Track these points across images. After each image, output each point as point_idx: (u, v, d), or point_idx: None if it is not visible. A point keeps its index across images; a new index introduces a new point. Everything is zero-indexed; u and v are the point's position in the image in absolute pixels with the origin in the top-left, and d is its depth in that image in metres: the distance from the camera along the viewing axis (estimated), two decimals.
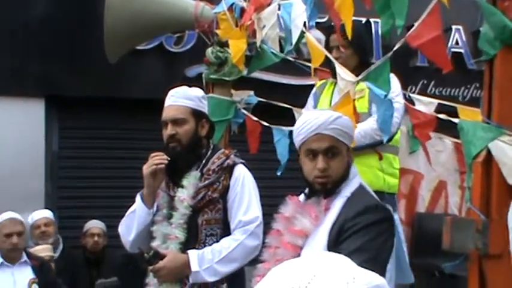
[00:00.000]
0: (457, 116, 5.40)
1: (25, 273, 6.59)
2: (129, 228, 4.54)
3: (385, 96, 4.10)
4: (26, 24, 9.58)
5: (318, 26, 6.79)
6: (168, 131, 4.44)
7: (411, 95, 6.40)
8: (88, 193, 9.67)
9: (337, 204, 3.60)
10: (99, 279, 6.99)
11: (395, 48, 3.88)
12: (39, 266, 6.74)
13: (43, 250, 7.15)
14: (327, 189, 3.64)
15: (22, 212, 6.99)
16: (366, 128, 4.98)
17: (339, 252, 3.34)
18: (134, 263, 5.41)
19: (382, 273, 3.45)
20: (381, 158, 5.17)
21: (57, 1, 9.75)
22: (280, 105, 6.20)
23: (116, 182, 9.14)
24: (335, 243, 3.47)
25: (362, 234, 3.46)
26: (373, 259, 3.38)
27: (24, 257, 6.66)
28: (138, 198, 4.51)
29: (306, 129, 3.66)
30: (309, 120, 3.67)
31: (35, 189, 9.56)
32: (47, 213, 7.91)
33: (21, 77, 9.58)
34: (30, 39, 9.60)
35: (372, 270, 3.19)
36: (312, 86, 5.79)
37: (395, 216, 5.16)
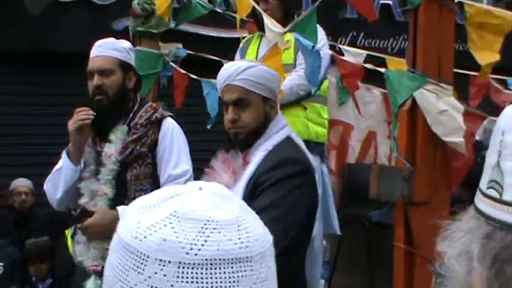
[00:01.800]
0: (386, 67, 5.50)
1: None
2: (55, 186, 4.46)
3: (313, 47, 4.15)
4: None
5: None
6: (95, 81, 4.36)
7: (340, 46, 6.49)
8: (14, 150, 9.59)
9: (257, 157, 3.59)
10: (29, 239, 6.96)
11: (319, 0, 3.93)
12: None
13: None
14: (239, 140, 3.65)
15: None
16: (291, 85, 5.02)
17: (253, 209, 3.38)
18: (62, 221, 5.39)
19: (296, 226, 3.47)
20: (305, 108, 5.24)
21: None
22: (209, 57, 6.20)
23: (42, 139, 9.04)
24: (250, 199, 3.41)
25: (274, 190, 3.45)
26: (284, 216, 3.37)
27: None
28: (64, 155, 4.43)
29: (219, 81, 3.69)
30: (221, 72, 3.68)
31: None
32: None
33: None
34: None
35: (283, 228, 3.27)
36: (238, 38, 5.83)
37: (323, 167, 5.25)
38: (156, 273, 1.07)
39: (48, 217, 7.43)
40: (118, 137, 4.35)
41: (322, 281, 6.00)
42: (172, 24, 6.02)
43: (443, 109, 3.43)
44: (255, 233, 1.13)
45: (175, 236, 1.08)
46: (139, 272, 1.08)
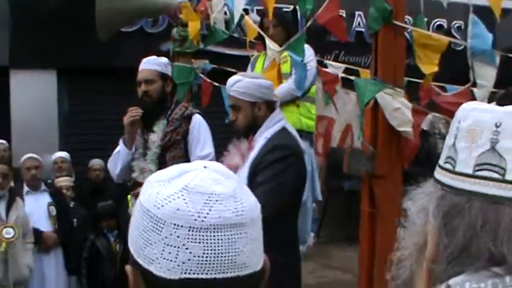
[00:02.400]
0: (359, 76, 5.46)
1: (44, 198, 6.54)
2: (115, 164, 4.56)
3: (302, 61, 4.11)
4: (43, 13, 9.41)
5: (258, 12, 6.80)
6: (142, 88, 4.44)
7: (326, 61, 6.42)
8: (90, 138, 9.61)
9: (259, 143, 3.61)
10: (100, 202, 6.97)
11: (306, 26, 3.92)
12: (54, 193, 6.73)
13: (64, 180, 7.27)
14: (240, 133, 3.71)
15: (41, 154, 6.94)
16: (287, 89, 4.99)
17: (254, 184, 3.42)
18: (123, 190, 5.40)
19: (284, 197, 3.51)
20: (298, 106, 5.21)
21: None
22: (228, 70, 6.16)
23: (110, 130, 9.02)
24: (253, 175, 3.49)
25: (268, 169, 3.47)
26: (275, 189, 3.41)
27: (43, 186, 6.64)
28: (121, 142, 4.53)
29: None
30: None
31: (52, 138, 9.50)
32: (63, 154, 7.98)
33: (37, 53, 9.42)
34: (44, 23, 9.44)
35: (274, 198, 3.28)
36: (252, 55, 5.77)
37: (311, 150, 5.20)
38: (171, 234, 1.03)
39: (114, 187, 7.40)
40: (160, 128, 4.40)
41: (312, 234, 5.97)
42: (201, 46, 6.03)
43: (397, 107, 3.38)
44: (247, 204, 1.08)
45: (185, 206, 1.03)
46: (157, 233, 1.04)
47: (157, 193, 1.06)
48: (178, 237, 1.02)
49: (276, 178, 3.45)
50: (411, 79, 3.86)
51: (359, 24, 10.76)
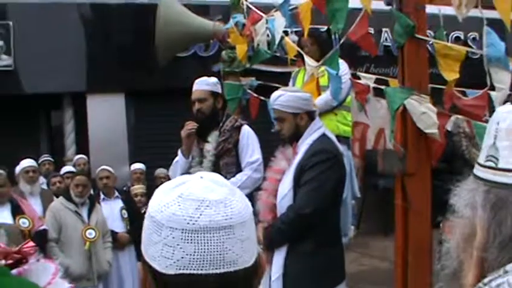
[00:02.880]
0: (389, 86, 5.38)
1: (117, 204, 6.61)
2: (175, 172, 4.59)
3: (336, 74, 4.06)
4: (112, 45, 9.59)
5: (296, 32, 6.75)
6: (196, 106, 4.46)
7: (358, 73, 6.34)
8: (155, 151, 9.67)
9: (302, 149, 3.59)
10: None
11: (340, 43, 3.86)
12: (126, 199, 6.80)
13: (139, 188, 7.42)
14: (286, 141, 3.69)
15: (114, 166, 7.04)
16: (324, 100, 4.96)
17: (300, 184, 3.39)
18: None
19: (325, 196, 3.48)
20: (336, 114, 5.17)
21: (128, 27, 9.71)
22: (272, 85, 6.13)
23: (171, 143, 9.08)
24: (299, 177, 3.48)
25: (311, 171, 3.46)
26: (317, 189, 3.41)
27: (116, 193, 6.71)
28: (179, 152, 4.56)
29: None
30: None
31: (123, 152, 9.65)
32: (142, 166, 8.15)
33: (108, 79, 9.59)
34: (114, 54, 9.61)
35: (316, 196, 3.27)
36: (291, 72, 5.76)
37: (349, 153, 5.15)
38: (167, 236, 1.05)
39: None
40: (213, 139, 4.39)
41: (352, 227, 5.90)
42: (247, 65, 6.01)
43: (423, 111, 3.33)
44: (237, 209, 1.08)
45: (180, 212, 1.05)
46: (158, 235, 1.07)
47: (160, 200, 1.09)
48: (173, 238, 1.04)
49: (317, 178, 3.44)
50: (435, 86, 3.76)
51: (386, 39, 10.68)
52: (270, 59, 5.85)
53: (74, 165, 8.03)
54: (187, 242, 1.03)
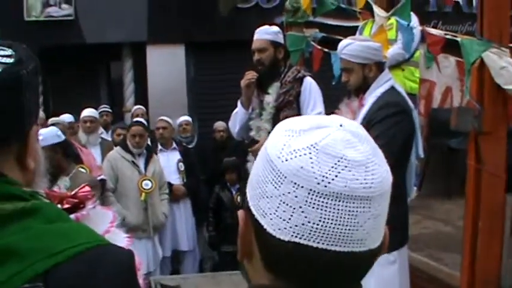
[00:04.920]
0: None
1: (174, 156, 6.63)
2: (234, 124, 4.49)
3: (408, 25, 3.82)
4: None
5: None
6: (256, 56, 4.32)
7: (426, 28, 6.07)
8: (214, 104, 9.61)
9: (370, 101, 3.41)
10: (225, 158, 6.96)
11: None
12: (184, 151, 6.79)
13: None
14: (352, 93, 3.51)
15: (173, 117, 7.03)
16: (396, 52, 4.77)
17: None
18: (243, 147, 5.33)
19: (395, 151, 3.26)
20: (403, 70, 4.97)
21: None
22: (336, 37, 5.91)
23: (230, 96, 8.97)
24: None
25: (380, 125, 3.29)
26: (387, 144, 3.10)
27: (174, 145, 6.72)
28: (238, 103, 4.43)
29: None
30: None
31: (182, 103, 9.62)
32: (187, 118, 7.97)
33: (168, 31, 9.53)
34: (174, 5, 9.53)
35: (386, 151, 3.08)
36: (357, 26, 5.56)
37: (415, 111, 4.92)
38: (289, 192, 0.84)
39: (235, 145, 7.36)
40: (274, 90, 4.26)
41: (415, 188, 5.69)
42: (311, 17, 5.78)
43: (503, 65, 3.10)
44: (378, 176, 0.85)
45: (311, 166, 0.83)
46: (275, 187, 0.85)
47: (284, 144, 0.87)
48: (296, 197, 0.84)
49: (387, 133, 3.25)
50: None
51: None
52: (335, 11, 5.63)
53: (131, 116, 8.05)
54: (313, 207, 0.83)
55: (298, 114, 4.22)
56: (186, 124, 7.73)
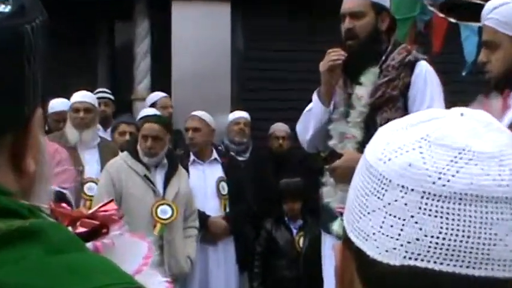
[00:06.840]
0: None
1: (214, 171, 6.62)
2: (306, 127, 4.48)
3: None
4: None
5: None
6: (346, 24, 4.28)
7: None
8: (272, 95, 9.68)
9: None
10: (283, 179, 6.99)
11: None
12: (229, 164, 6.77)
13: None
14: (491, 83, 3.44)
15: (213, 113, 7.09)
16: None
17: None
18: (311, 163, 5.36)
19: None
20: None
21: None
22: (473, 1, 5.89)
23: (297, 83, 8.99)
24: None
25: None
26: None
27: (215, 155, 6.68)
28: (315, 95, 4.41)
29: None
30: None
31: (224, 90, 9.66)
32: (243, 114, 8.11)
33: None
34: None
35: None
36: None
37: None
38: (396, 200, 0.93)
39: (303, 159, 7.36)
40: (369, 79, 4.24)
41: None
42: None
43: None
44: None
45: (422, 162, 0.92)
46: (378, 197, 0.95)
47: (387, 143, 0.98)
48: (405, 204, 0.92)
49: None
50: None
51: None
52: None
53: (151, 107, 7.89)
54: (429, 215, 0.91)
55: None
56: (244, 123, 7.86)
